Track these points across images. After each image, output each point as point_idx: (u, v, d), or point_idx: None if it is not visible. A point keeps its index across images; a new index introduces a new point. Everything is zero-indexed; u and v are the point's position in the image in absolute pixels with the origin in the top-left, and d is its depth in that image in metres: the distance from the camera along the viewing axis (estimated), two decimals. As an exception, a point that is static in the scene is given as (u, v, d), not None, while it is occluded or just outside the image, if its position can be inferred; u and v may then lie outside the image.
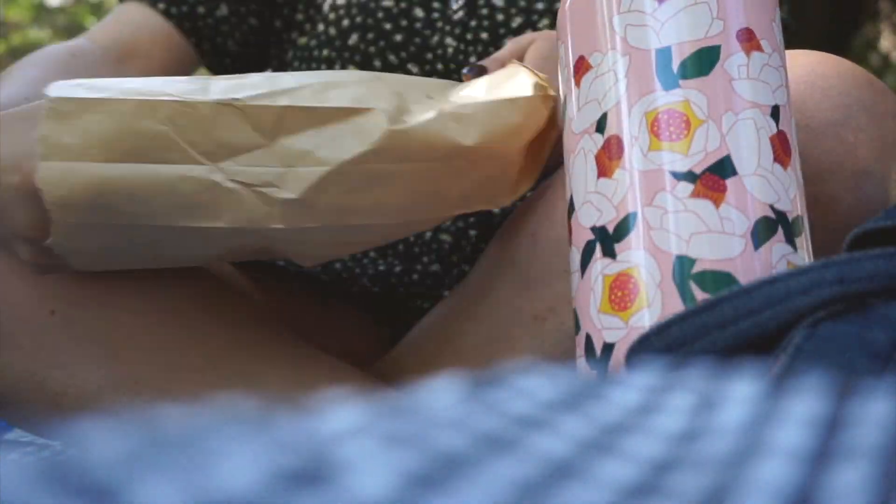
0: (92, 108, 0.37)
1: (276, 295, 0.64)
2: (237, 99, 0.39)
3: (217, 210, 0.39)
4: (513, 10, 0.69)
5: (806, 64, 0.43)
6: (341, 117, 0.39)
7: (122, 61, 0.70)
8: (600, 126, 0.35)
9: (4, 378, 0.50)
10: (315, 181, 0.39)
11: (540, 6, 0.69)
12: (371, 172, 0.40)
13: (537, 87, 0.44)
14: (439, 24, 0.70)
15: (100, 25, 0.74)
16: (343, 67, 0.71)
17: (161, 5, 0.73)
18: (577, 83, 0.37)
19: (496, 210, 0.65)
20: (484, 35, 0.69)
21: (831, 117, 0.41)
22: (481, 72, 0.50)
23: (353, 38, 0.71)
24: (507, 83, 0.45)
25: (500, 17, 0.69)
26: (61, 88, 0.38)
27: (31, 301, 0.50)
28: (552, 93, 0.45)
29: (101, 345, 0.51)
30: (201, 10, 0.73)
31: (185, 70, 0.75)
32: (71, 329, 0.51)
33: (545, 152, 0.47)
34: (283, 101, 0.39)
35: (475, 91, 0.44)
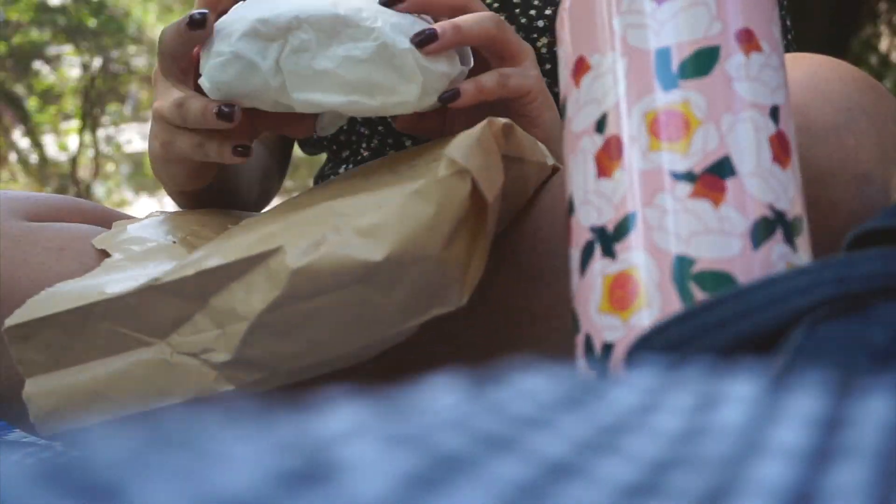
0: (43, 325, 0.42)
1: None
2: (156, 279, 0.40)
3: (170, 387, 0.41)
4: (513, 27, 0.69)
5: (808, 67, 0.43)
6: (255, 263, 0.39)
7: None
8: (600, 126, 0.35)
9: (5, 380, 0.50)
10: (241, 338, 0.39)
11: (540, 24, 0.69)
12: (290, 315, 0.39)
13: (450, 163, 0.39)
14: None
15: None
16: None
17: None
18: (577, 83, 0.37)
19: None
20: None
21: (833, 121, 0.41)
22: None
23: None
24: (425, 164, 0.42)
25: None
26: (14, 316, 0.42)
27: None
28: (467, 165, 0.39)
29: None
30: None
31: None
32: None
33: (487, 229, 0.41)
34: (190, 271, 0.40)
35: (393, 183, 0.42)
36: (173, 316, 0.40)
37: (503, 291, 0.51)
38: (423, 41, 0.47)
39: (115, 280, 0.43)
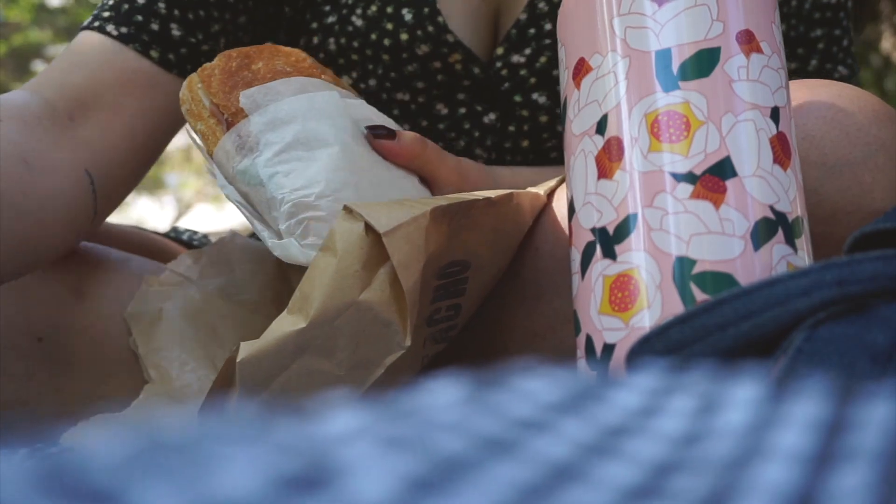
0: None
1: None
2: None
3: None
4: (557, 110, 0.59)
5: (826, 96, 0.42)
6: (230, 370, 0.40)
7: (73, 119, 0.52)
8: (600, 127, 0.35)
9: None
10: None
11: None
12: (277, 391, 0.40)
13: (344, 211, 0.40)
14: (466, 126, 0.60)
15: (48, 68, 0.55)
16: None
17: (135, 43, 0.55)
18: (578, 85, 0.37)
19: None
20: (525, 143, 0.60)
21: (849, 156, 0.40)
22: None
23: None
24: None
25: (542, 118, 0.59)
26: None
27: (16, 327, 0.49)
28: (354, 207, 0.39)
29: (90, 369, 0.51)
30: (185, 44, 0.56)
31: (170, 120, 0.57)
32: (59, 355, 0.50)
33: (399, 263, 0.39)
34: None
35: None
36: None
37: (503, 309, 0.50)
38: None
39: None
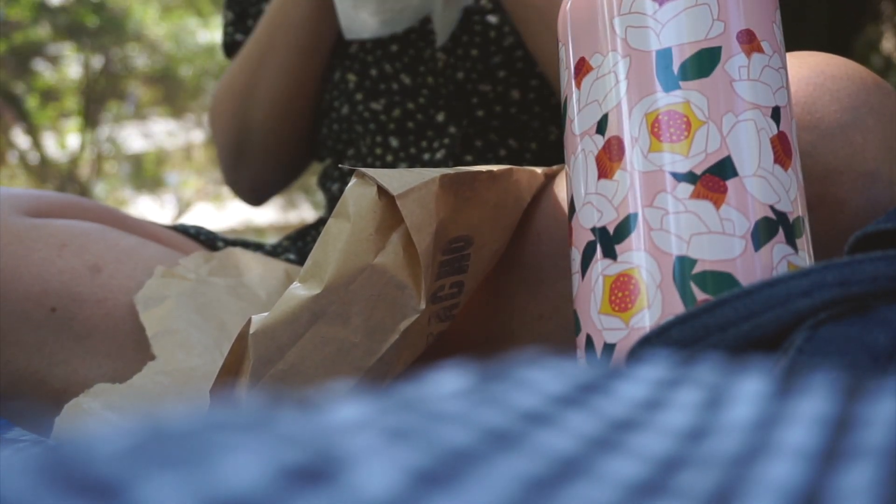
0: None
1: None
2: None
3: None
4: (506, 28, 0.71)
5: (814, 65, 0.44)
6: (243, 341, 0.39)
7: None
8: (601, 127, 0.35)
9: (6, 375, 0.51)
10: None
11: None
12: (274, 379, 0.40)
13: (356, 177, 0.40)
14: (433, 38, 0.73)
15: None
16: (342, 75, 0.75)
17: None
18: (578, 84, 0.37)
19: None
20: (474, 52, 0.71)
21: (840, 118, 0.42)
22: None
23: (353, 47, 0.75)
24: None
25: (492, 34, 0.71)
26: None
27: (31, 298, 0.51)
28: (370, 175, 0.39)
29: (102, 341, 0.52)
30: None
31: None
32: (72, 326, 0.51)
33: (411, 226, 0.39)
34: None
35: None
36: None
37: (507, 292, 0.51)
38: None
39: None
